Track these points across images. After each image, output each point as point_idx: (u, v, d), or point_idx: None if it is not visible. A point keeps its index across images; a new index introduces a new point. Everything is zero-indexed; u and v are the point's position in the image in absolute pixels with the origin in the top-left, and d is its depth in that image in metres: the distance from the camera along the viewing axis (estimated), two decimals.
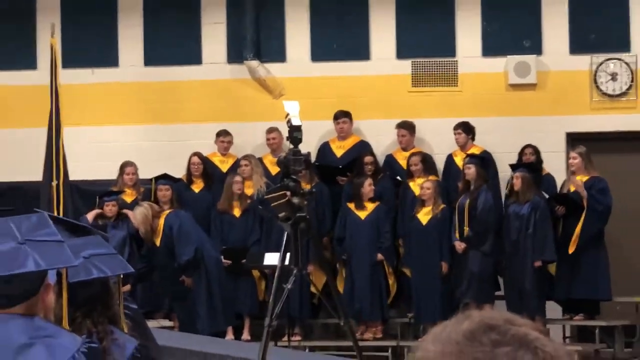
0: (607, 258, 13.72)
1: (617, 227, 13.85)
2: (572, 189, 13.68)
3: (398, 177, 14.16)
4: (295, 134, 9.08)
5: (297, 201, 8.81)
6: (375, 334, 13.79)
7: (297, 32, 15.37)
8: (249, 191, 13.79)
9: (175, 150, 14.67)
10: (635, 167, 14.88)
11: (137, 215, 13.23)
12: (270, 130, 14.03)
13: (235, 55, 15.38)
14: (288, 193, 9.20)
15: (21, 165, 13.96)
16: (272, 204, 9.00)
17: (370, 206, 13.78)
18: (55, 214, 11.08)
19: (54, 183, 11.66)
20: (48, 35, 12.15)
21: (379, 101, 14.94)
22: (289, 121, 9.11)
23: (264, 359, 8.99)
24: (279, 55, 15.39)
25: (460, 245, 13.47)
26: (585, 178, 13.64)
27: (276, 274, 9.67)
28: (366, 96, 14.97)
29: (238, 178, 13.67)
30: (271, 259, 12.14)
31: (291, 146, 9.76)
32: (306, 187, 11.31)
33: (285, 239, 9.36)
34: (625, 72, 14.64)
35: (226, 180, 13.66)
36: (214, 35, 15.46)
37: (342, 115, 14.44)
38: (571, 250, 13.54)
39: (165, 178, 13.76)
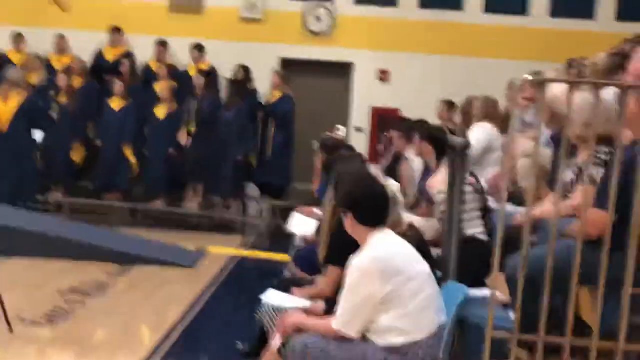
0: (292, 154, 15.66)
1: (307, 128, 15.51)
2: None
3: None
4: None
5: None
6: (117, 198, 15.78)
7: None
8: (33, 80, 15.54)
9: None
10: (326, 85, 16.76)
11: None
12: (60, 36, 16.24)
13: None
14: None
15: None
16: None
17: (122, 102, 15.64)
18: None
19: None
20: None
21: (144, 22, 16.57)
22: None
23: None
24: None
25: (185, 139, 15.53)
26: (279, 94, 15.61)
27: None
28: (134, 17, 16.53)
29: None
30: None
31: None
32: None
33: None
34: (328, 17, 16.56)
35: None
36: None
37: (115, 30, 16.42)
38: (269, 153, 15.55)
39: None
